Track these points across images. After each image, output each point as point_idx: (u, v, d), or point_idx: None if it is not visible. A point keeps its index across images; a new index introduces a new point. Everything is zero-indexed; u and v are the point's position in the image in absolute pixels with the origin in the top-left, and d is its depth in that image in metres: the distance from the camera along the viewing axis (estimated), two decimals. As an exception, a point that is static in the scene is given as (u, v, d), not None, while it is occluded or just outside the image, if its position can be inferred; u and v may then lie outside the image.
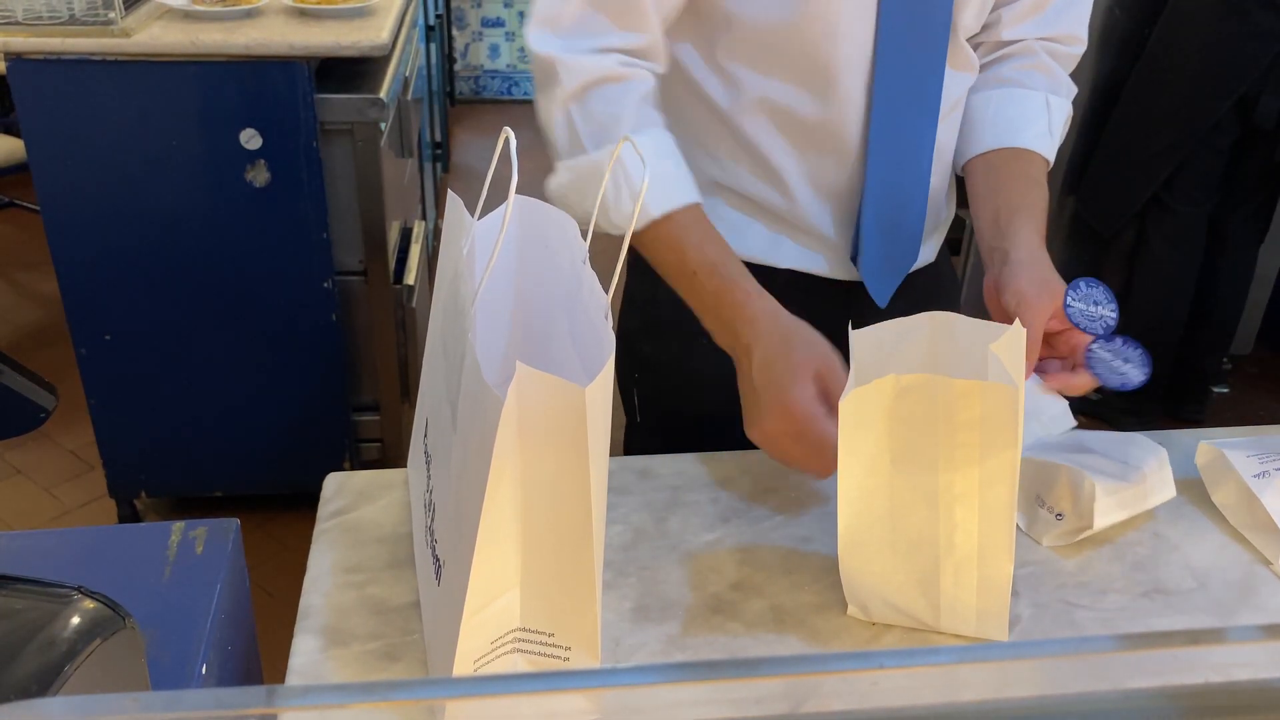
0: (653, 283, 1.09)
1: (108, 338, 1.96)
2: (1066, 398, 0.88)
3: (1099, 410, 2.63)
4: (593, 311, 0.65)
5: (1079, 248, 2.67)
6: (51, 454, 2.39)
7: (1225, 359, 2.74)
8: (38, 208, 1.88)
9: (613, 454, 0.75)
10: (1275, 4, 2.12)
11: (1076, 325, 0.85)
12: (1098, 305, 0.86)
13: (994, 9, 1.00)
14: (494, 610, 0.62)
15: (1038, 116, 1.00)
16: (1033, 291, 0.85)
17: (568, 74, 0.88)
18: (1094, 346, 0.85)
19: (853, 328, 0.77)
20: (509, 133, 0.63)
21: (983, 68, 1.03)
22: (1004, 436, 0.67)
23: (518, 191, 0.63)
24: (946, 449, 0.68)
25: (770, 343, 0.82)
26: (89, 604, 0.60)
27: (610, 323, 0.62)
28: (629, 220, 0.87)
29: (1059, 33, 1.01)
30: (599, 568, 0.62)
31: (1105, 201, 2.51)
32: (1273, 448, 0.87)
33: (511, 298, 0.75)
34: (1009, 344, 0.69)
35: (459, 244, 0.69)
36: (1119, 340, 0.86)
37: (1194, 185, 2.37)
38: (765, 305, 0.85)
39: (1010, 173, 0.97)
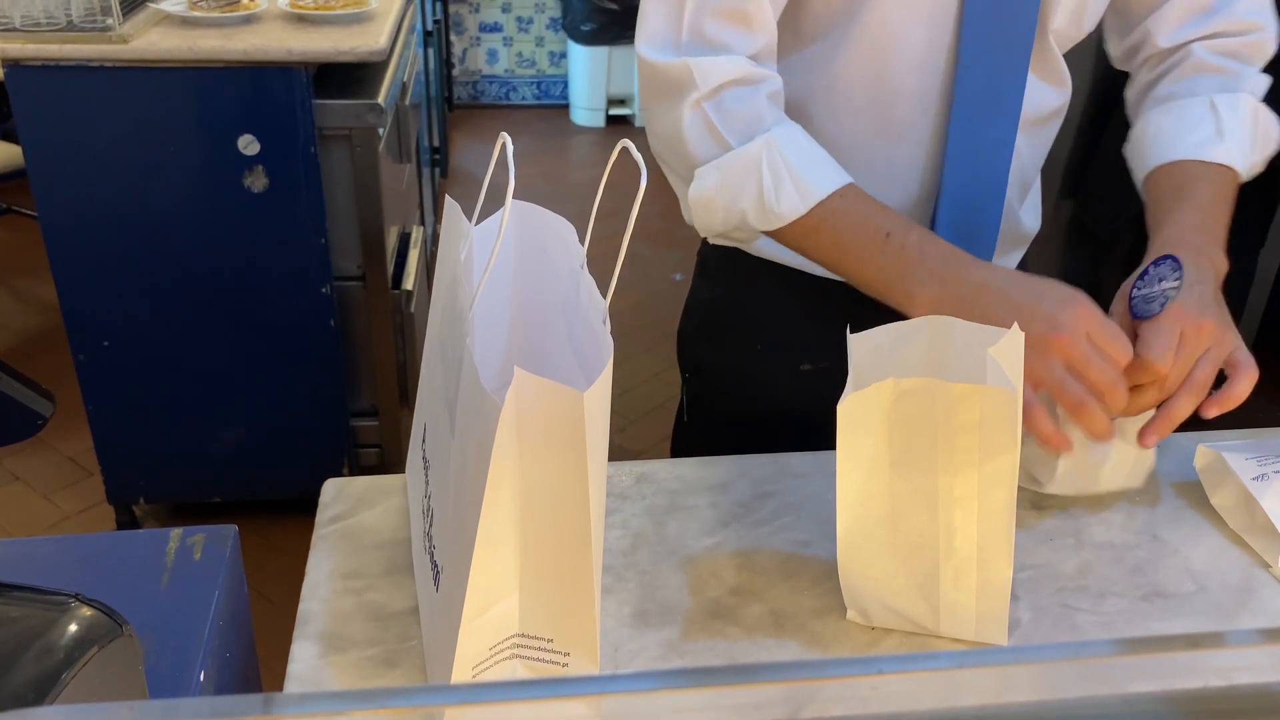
0: (715, 287, 1.09)
1: (106, 344, 1.96)
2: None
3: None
4: (591, 316, 0.65)
5: (1078, 251, 2.67)
6: (50, 460, 2.39)
7: (1224, 361, 2.75)
8: (36, 214, 1.88)
9: (622, 458, 0.75)
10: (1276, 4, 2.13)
11: (1137, 317, 0.81)
12: (1162, 281, 0.80)
13: (1140, 19, 0.97)
14: (493, 616, 0.62)
15: (1200, 122, 0.93)
16: (1154, 343, 0.80)
17: (701, 76, 0.86)
18: (1132, 293, 0.81)
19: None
20: (506, 138, 0.63)
21: (1144, 88, 1.00)
22: (1002, 440, 0.67)
23: (515, 196, 0.63)
24: (946, 452, 0.68)
25: (1009, 269, 0.81)
26: (86, 611, 0.60)
27: (609, 327, 0.62)
28: (794, 206, 0.86)
29: (1228, 25, 0.95)
30: (598, 573, 0.62)
31: (1105, 205, 2.51)
32: (1271, 450, 0.87)
33: (510, 303, 0.75)
34: (1008, 348, 0.69)
35: (457, 249, 0.69)
36: (1150, 268, 0.81)
37: None
38: (969, 254, 0.83)
39: (1159, 190, 0.93)
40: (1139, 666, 0.37)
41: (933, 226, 0.96)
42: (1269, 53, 0.96)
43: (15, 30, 1.75)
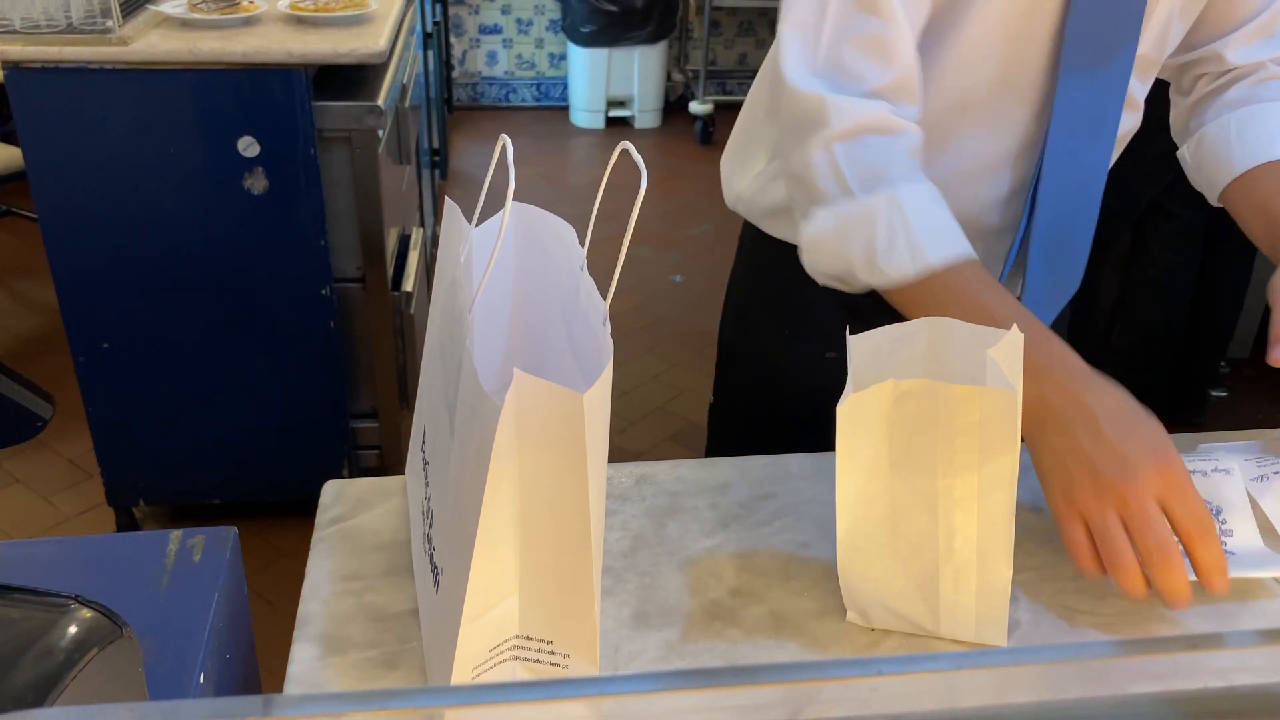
0: (748, 273, 1.09)
1: (106, 346, 1.96)
2: None
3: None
4: (591, 318, 0.65)
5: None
6: (49, 462, 2.39)
7: (1223, 363, 2.75)
8: (36, 216, 1.88)
9: (621, 459, 0.75)
10: None
11: None
12: None
13: (1207, 40, 0.95)
14: (492, 617, 0.62)
15: None
16: None
17: (836, 114, 0.83)
18: None
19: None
20: (505, 140, 0.63)
21: (1203, 98, 0.98)
22: (1002, 441, 0.67)
23: (515, 198, 0.63)
24: (946, 454, 0.68)
25: (1120, 396, 0.74)
26: (86, 613, 0.60)
27: (609, 329, 0.62)
28: (903, 270, 0.82)
29: None
30: (598, 574, 0.62)
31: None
32: (1271, 451, 0.87)
33: (509, 304, 0.75)
34: (1007, 349, 0.69)
35: (457, 251, 0.69)
36: None
37: (1193, 190, 2.38)
38: (1083, 361, 0.78)
39: (1272, 185, 0.90)
40: (1138, 668, 0.37)
41: (1027, 249, 0.94)
42: None
43: (15, 32, 1.75)
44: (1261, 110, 0.93)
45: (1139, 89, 0.96)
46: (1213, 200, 0.98)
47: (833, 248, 0.85)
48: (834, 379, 0.84)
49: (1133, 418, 0.74)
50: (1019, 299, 0.94)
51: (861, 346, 0.74)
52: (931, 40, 0.87)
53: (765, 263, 1.05)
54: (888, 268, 0.82)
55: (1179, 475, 0.70)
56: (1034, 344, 0.74)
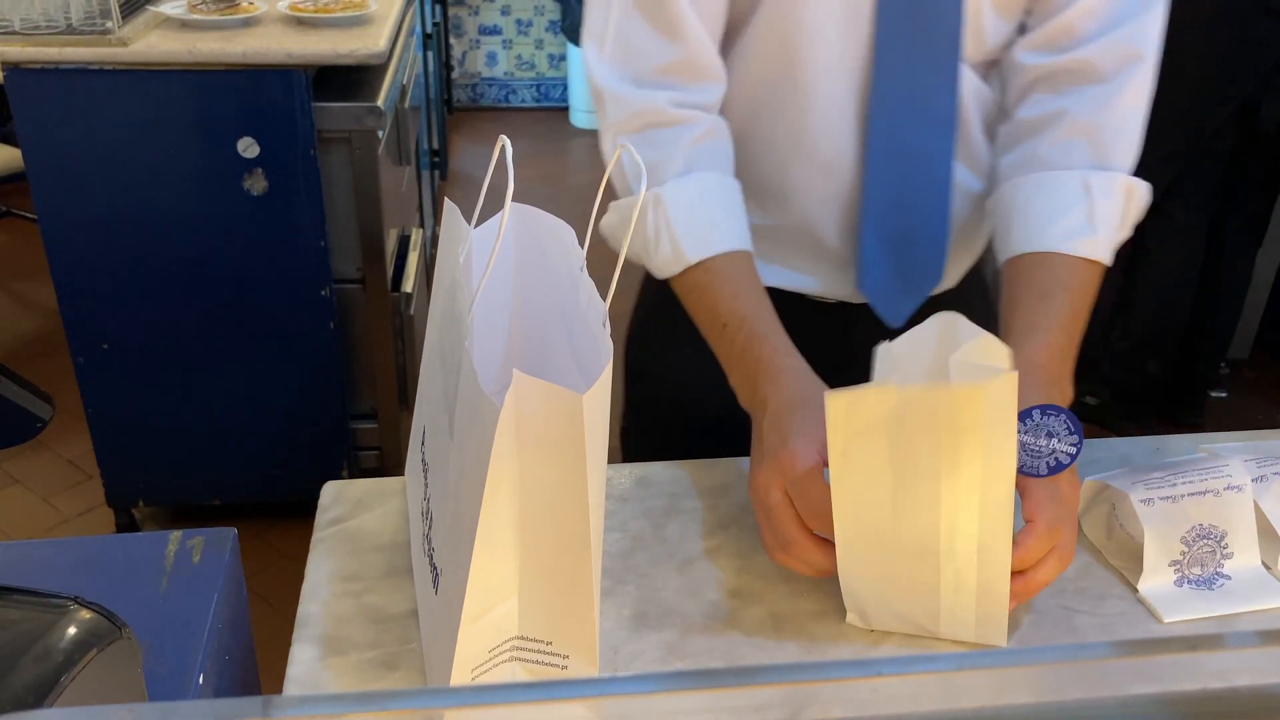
0: (648, 293, 1.09)
1: (105, 347, 1.96)
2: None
3: (1098, 415, 2.63)
4: (591, 319, 0.65)
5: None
6: (49, 463, 2.39)
7: (1223, 364, 2.75)
8: (35, 217, 1.88)
9: (610, 461, 0.75)
10: (1275, 11, 2.14)
11: (1020, 469, 0.71)
12: (1051, 437, 0.73)
13: (1047, 20, 0.88)
14: (492, 618, 0.62)
15: (1071, 206, 0.85)
16: None
17: (616, 108, 0.86)
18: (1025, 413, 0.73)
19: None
20: (505, 140, 0.63)
21: (1015, 137, 0.91)
22: (1003, 431, 0.66)
23: (515, 199, 0.63)
24: (950, 454, 0.68)
25: (787, 402, 0.77)
26: (85, 614, 0.60)
27: (608, 330, 0.62)
28: (668, 265, 0.86)
29: (1104, 51, 0.86)
30: (597, 575, 0.62)
31: None
32: (1270, 452, 0.87)
33: (509, 305, 0.75)
34: (978, 351, 0.70)
35: (456, 251, 0.69)
36: (1036, 412, 0.72)
37: (1193, 191, 2.38)
38: (792, 364, 0.80)
39: (1021, 285, 0.85)
40: (1138, 669, 0.37)
41: (861, 238, 0.92)
42: (1146, 93, 0.88)
43: (15, 33, 1.75)
44: (1051, 181, 0.87)
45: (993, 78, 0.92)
46: (999, 265, 0.92)
47: (617, 239, 0.88)
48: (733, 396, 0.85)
49: (788, 420, 0.76)
50: (859, 287, 0.93)
51: (885, 358, 0.73)
52: (757, 19, 0.87)
53: (663, 283, 1.02)
54: (656, 262, 0.86)
55: (795, 467, 0.73)
56: (744, 351, 0.80)
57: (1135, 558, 0.80)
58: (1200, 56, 2.25)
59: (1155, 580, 0.79)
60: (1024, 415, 0.72)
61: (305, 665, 0.71)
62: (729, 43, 0.90)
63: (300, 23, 1.92)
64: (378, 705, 0.34)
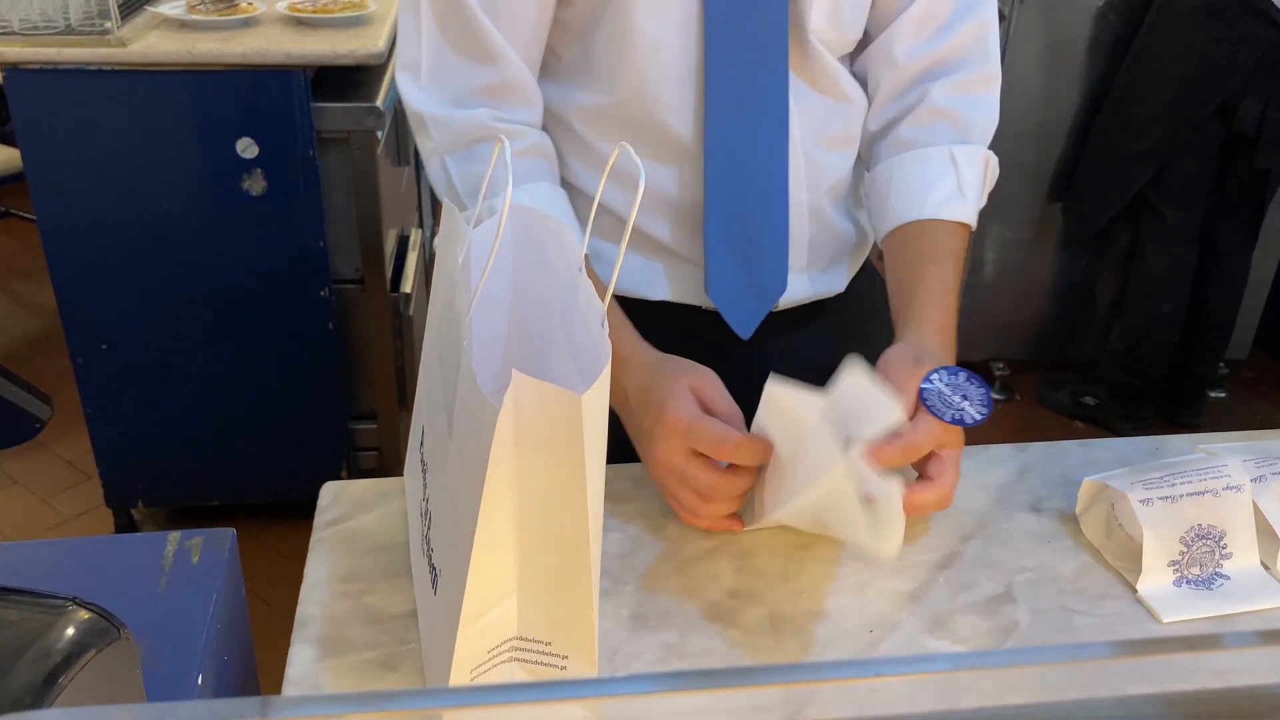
0: None
1: (104, 347, 1.96)
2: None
3: (1097, 416, 2.63)
4: (589, 319, 0.65)
5: (1071, 255, 2.67)
6: (48, 464, 2.38)
7: (1221, 364, 2.75)
8: (34, 217, 1.88)
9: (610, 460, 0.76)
10: (1257, 10, 2.14)
11: (925, 403, 0.77)
12: (965, 400, 0.77)
13: (881, 30, 0.94)
14: (491, 619, 0.62)
15: (942, 175, 0.92)
16: (898, 363, 0.79)
17: (439, 130, 0.88)
18: (932, 376, 0.78)
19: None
20: (504, 140, 0.63)
21: (881, 131, 0.96)
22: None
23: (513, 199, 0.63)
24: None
25: (642, 374, 0.81)
26: (84, 615, 0.60)
27: (607, 330, 0.62)
28: None
29: (953, 44, 0.93)
30: (596, 576, 0.62)
31: (1085, 204, 2.51)
32: (1269, 452, 0.87)
33: (507, 306, 0.75)
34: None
35: (455, 252, 0.69)
36: (963, 374, 0.79)
37: (1183, 190, 2.38)
38: (633, 347, 0.83)
39: (909, 255, 0.91)
40: (1137, 669, 0.37)
41: (706, 243, 0.94)
42: (989, 93, 0.96)
43: (13, 34, 1.75)
44: (921, 156, 0.93)
45: (839, 75, 0.93)
46: (879, 243, 0.98)
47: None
48: None
49: (654, 388, 0.79)
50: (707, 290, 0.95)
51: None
52: (596, 29, 0.89)
53: None
54: None
55: (681, 420, 0.76)
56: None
57: (1134, 558, 0.80)
58: (1183, 53, 2.25)
59: (1154, 580, 0.79)
60: (954, 370, 0.78)
61: (304, 666, 0.71)
62: (576, 60, 0.91)
63: (299, 23, 1.92)
64: (376, 706, 0.34)
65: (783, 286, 0.97)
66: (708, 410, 0.78)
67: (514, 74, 0.88)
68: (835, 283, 1.03)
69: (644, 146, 0.92)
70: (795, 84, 0.92)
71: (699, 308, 0.97)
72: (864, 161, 1.01)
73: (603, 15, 0.88)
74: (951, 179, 0.92)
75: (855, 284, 1.05)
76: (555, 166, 0.93)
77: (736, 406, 0.79)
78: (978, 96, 0.95)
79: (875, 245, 1.03)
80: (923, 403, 0.78)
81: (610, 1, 0.87)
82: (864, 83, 0.98)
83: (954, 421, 0.76)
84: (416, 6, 0.88)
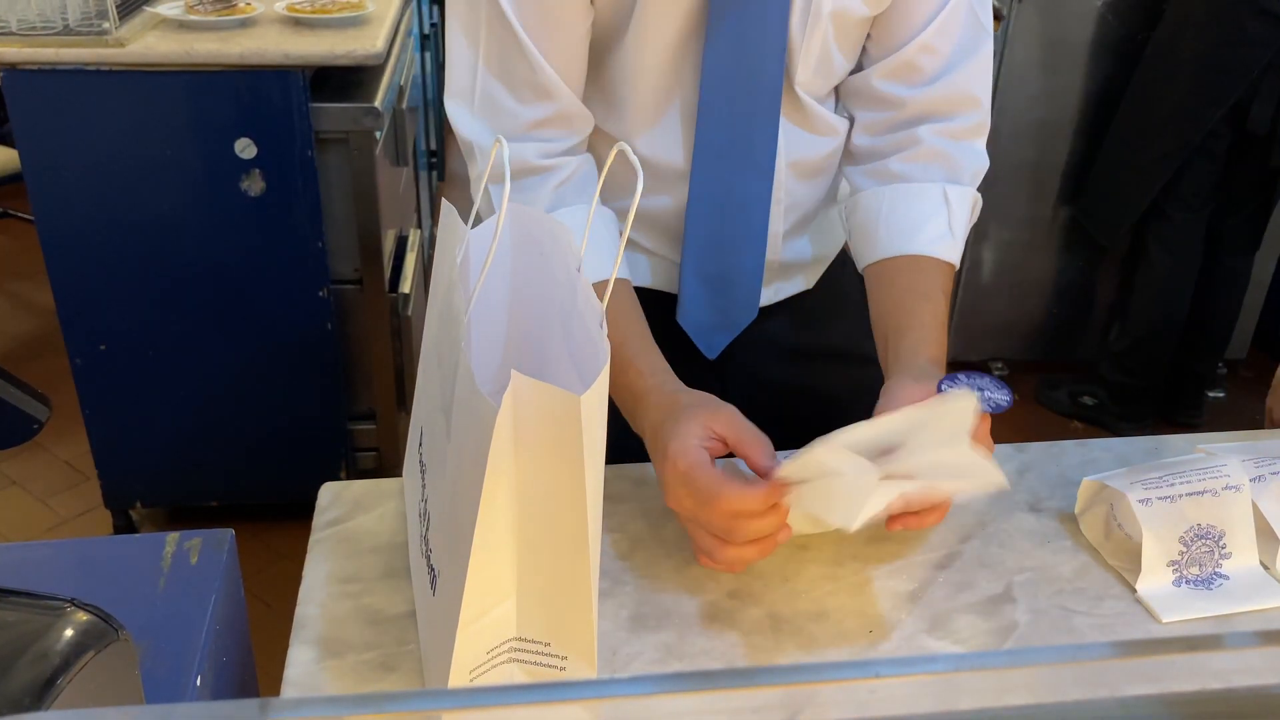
0: None
1: (103, 348, 1.96)
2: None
3: (1095, 416, 2.63)
4: (588, 319, 0.65)
5: (1074, 257, 2.67)
6: (46, 465, 2.38)
7: (1221, 364, 2.75)
8: (32, 218, 1.88)
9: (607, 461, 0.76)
10: (1267, 12, 2.14)
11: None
12: (982, 391, 0.77)
13: (874, 63, 0.94)
14: (490, 620, 0.62)
15: (934, 214, 0.93)
16: (905, 387, 0.80)
17: (484, 159, 0.89)
18: (942, 384, 0.78)
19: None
20: (503, 140, 0.63)
21: (868, 154, 0.97)
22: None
23: (512, 200, 0.63)
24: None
25: (656, 412, 0.80)
26: (82, 616, 0.60)
27: (605, 330, 0.62)
28: None
29: (943, 96, 0.93)
30: (595, 576, 0.62)
31: (1106, 211, 2.52)
32: (1268, 452, 0.87)
33: (506, 306, 0.75)
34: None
35: (453, 252, 0.69)
36: (971, 375, 0.79)
37: (1190, 192, 2.38)
38: (656, 381, 0.83)
39: (900, 289, 0.92)
40: (1136, 669, 0.37)
41: (681, 276, 0.97)
42: (977, 136, 0.96)
43: (11, 34, 1.74)
44: (915, 191, 0.94)
45: (825, 115, 0.95)
46: (859, 268, 0.98)
47: None
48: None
49: (666, 425, 0.77)
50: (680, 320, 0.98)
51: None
52: (604, 57, 0.91)
53: None
54: None
55: (679, 468, 0.74)
56: (616, 380, 0.78)
57: (1133, 558, 0.80)
58: (1193, 57, 2.25)
59: (1153, 580, 0.79)
60: (954, 377, 0.78)
61: (303, 667, 0.71)
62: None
63: (298, 23, 1.92)
64: (376, 707, 0.34)
65: (752, 315, 1.00)
66: (732, 445, 0.76)
67: (564, 106, 0.89)
68: (800, 285, 1.07)
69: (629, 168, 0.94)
70: (784, 127, 0.94)
71: (676, 294, 1.00)
72: (844, 176, 1.02)
73: (613, 49, 0.90)
74: (943, 218, 0.93)
75: (824, 276, 1.08)
76: (594, 185, 0.93)
77: (761, 437, 0.77)
78: (967, 144, 0.96)
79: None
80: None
81: (624, 38, 0.89)
82: (850, 110, 0.99)
83: (992, 410, 0.76)
84: (474, 39, 0.88)
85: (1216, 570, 0.80)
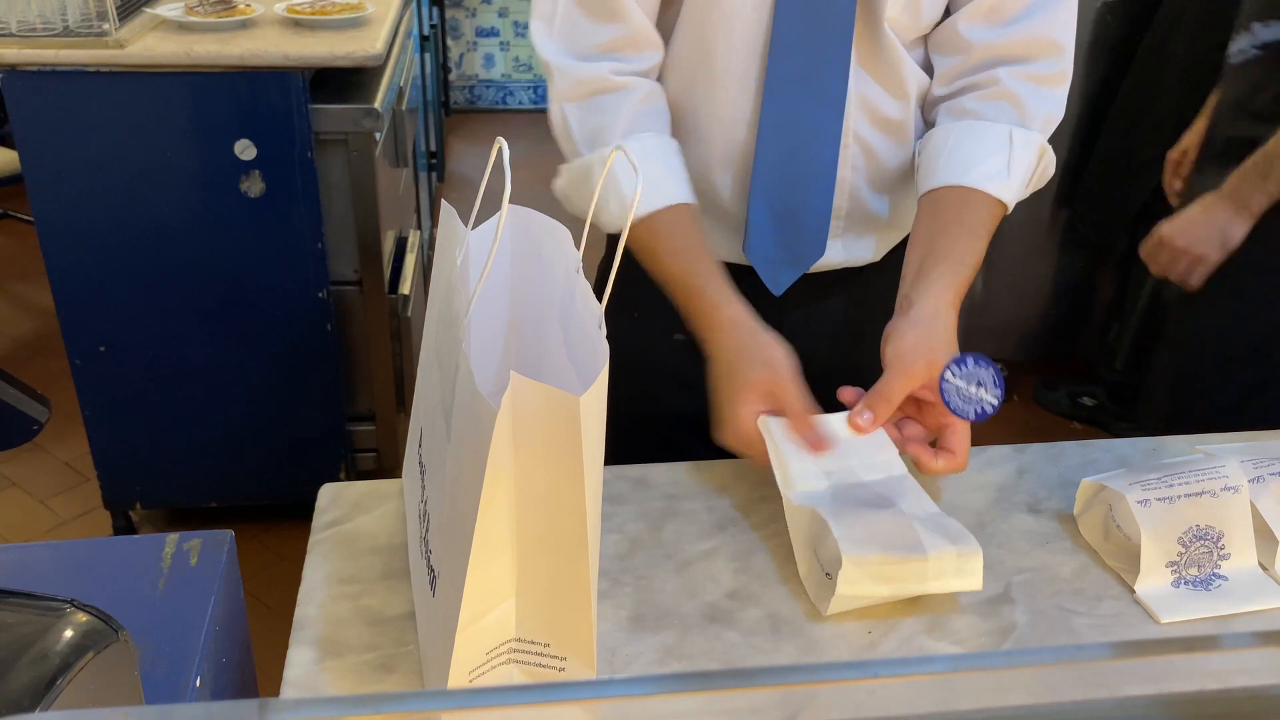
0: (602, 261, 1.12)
1: (102, 349, 1.96)
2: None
3: (1094, 416, 2.63)
4: (587, 320, 0.65)
5: (1072, 257, 2.67)
6: (46, 466, 2.38)
7: (1220, 364, 2.75)
8: (32, 219, 1.88)
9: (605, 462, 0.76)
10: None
11: (946, 404, 0.82)
12: (980, 386, 0.81)
13: (957, 8, 0.96)
14: (489, 621, 0.62)
15: (995, 152, 0.94)
16: (910, 357, 0.83)
17: (562, 78, 0.94)
18: (946, 374, 0.82)
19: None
20: (502, 142, 0.63)
21: (946, 98, 0.99)
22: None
23: (512, 201, 0.63)
24: None
25: (725, 358, 0.87)
26: (82, 617, 0.60)
27: (604, 332, 0.62)
28: (616, 220, 0.93)
29: (1025, 38, 0.94)
30: (595, 577, 0.62)
31: (1101, 211, 2.52)
32: (1267, 453, 0.87)
33: (506, 307, 0.75)
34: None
35: (453, 253, 0.69)
36: (970, 360, 0.82)
37: (1190, 192, 2.38)
38: (728, 315, 0.88)
39: (948, 217, 0.93)
40: (1135, 670, 0.37)
41: (750, 206, 0.99)
42: (1057, 84, 0.97)
43: (11, 35, 1.74)
44: (981, 128, 0.95)
45: (903, 70, 0.96)
46: (917, 197, 1.00)
47: (568, 199, 0.98)
48: (683, 363, 0.94)
49: (730, 382, 0.86)
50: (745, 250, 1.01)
51: None
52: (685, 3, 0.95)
53: (610, 250, 1.07)
54: (604, 218, 0.94)
55: (741, 437, 0.85)
56: (687, 305, 0.91)
57: (1132, 559, 0.80)
58: (1185, 60, 2.25)
59: (1152, 581, 0.79)
60: (960, 360, 0.82)
61: (302, 668, 0.71)
62: (661, 19, 0.97)
63: (297, 25, 1.92)
64: (375, 708, 0.34)
65: (820, 252, 1.01)
66: (777, 408, 0.84)
67: (636, 27, 0.94)
68: (867, 252, 1.06)
69: (702, 104, 0.98)
70: (859, 74, 0.96)
71: (733, 264, 1.00)
72: (924, 121, 1.03)
73: None
74: (1003, 157, 0.94)
75: (889, 257, 1.07)
76: (667, 114, 0.98)
77: (807, 402, 0.84)
78: (1045, 90, 0.96)
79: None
80: (945, 405, 0.82)
81: None
82: (933, 60, 1.01)
83: (977, 418, 0.81)
84: None
85: (1215, 571, 0.80)
